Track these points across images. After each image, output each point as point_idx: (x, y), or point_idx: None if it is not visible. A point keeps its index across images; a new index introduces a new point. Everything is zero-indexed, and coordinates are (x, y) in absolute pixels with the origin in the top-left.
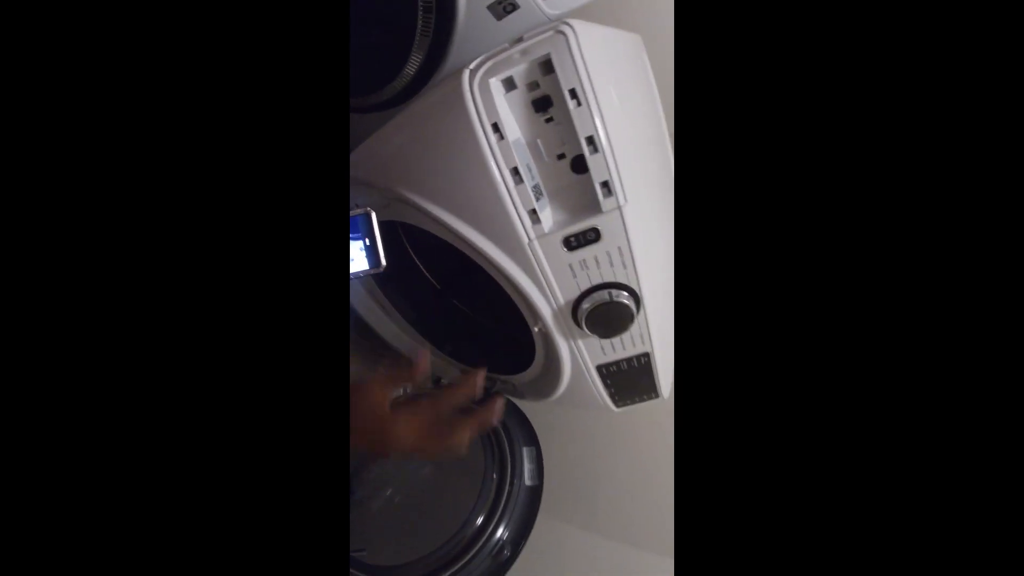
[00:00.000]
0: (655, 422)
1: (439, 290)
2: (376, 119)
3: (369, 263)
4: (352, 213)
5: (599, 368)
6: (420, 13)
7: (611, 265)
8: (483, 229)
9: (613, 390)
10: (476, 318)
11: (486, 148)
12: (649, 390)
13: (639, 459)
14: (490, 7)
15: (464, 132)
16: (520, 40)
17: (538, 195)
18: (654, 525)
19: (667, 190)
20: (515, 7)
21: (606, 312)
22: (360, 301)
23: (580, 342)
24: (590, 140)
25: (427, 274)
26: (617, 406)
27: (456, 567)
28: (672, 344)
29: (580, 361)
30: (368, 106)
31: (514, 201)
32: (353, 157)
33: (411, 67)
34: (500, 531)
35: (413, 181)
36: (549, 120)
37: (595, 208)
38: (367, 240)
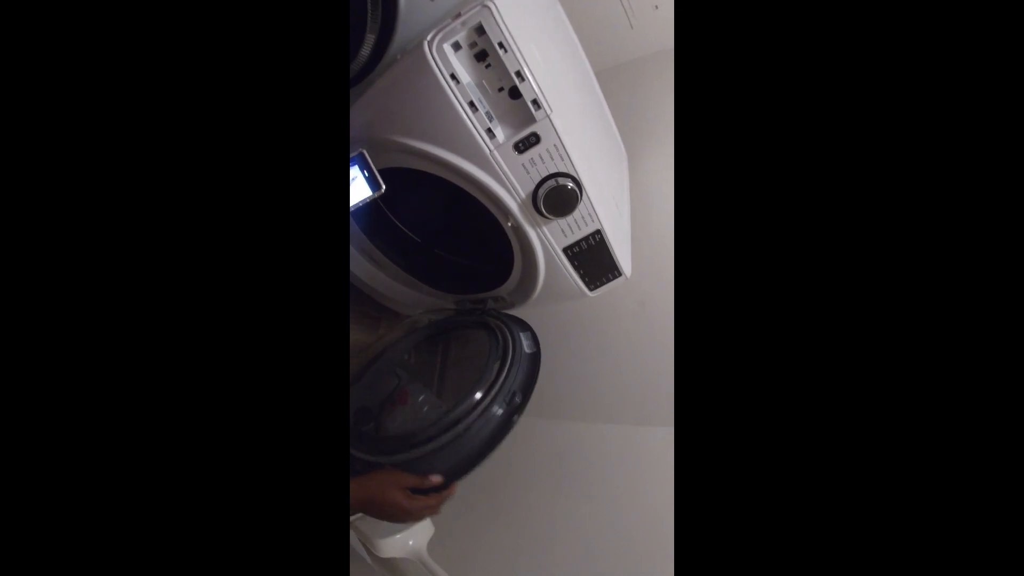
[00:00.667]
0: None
1: (420, 243)
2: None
3: (372, 189)
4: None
5: (565, 251)
6: (369, 6)
7: (552, 159)
8: (457, 150)
9: (582, 271)
10: (455, 259)
11: (448, 91)
12: (612, 268)
13: (625, 343)
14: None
15: (432, 83)
16: (459, 15)
17: (490, 119)
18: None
19: (588, 94)
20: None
21: (556, 194)
22: (357, 264)
23: (545, 229)
24: (518, 74)
25: (409, 233)
26: (591, 290)
27: (478, 409)
28: (620, 230)
29: (550, 248)
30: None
31: (474, 124)
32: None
33: (365, 49)
34: (510, 381)
35: (399, 127)
36: (488, 67)
37: (531, 120)
38: (365, 172)
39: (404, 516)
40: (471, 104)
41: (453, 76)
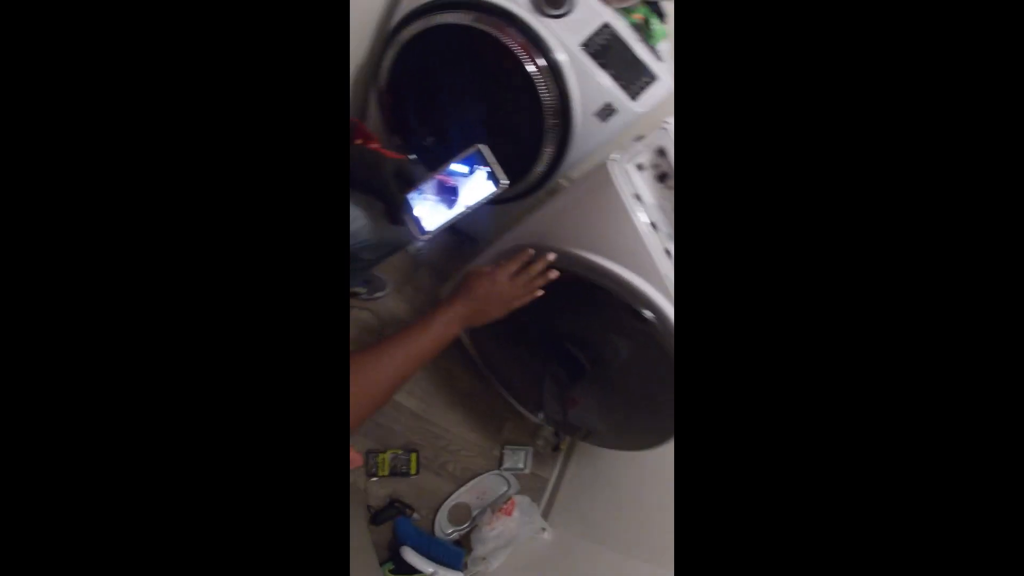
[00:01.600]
0: None
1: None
2: (516, 206)
3: (495, 185)
4: (465, 153)
5: None
6: (546, 118)
7: None
8: (633, 268)
9: None
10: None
11: (631, 210)
12: None
13: None
14: (597, 114)
15: (615, 202)
16: (641, 137)
17: (670, 239)
18: None
19: None
20: (614, 111)
21: None
22: None
23: None
24: None
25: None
26: None
27: None
28: None
29: None
30: (508, 197)
31: (651, 242)
32: (519, 232)
33: (541, 165)
34: None
35: (576, 240)
36: (670, 187)
37: None
38: (488, 168)
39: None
40: (652, 224)
41: (637, 196)
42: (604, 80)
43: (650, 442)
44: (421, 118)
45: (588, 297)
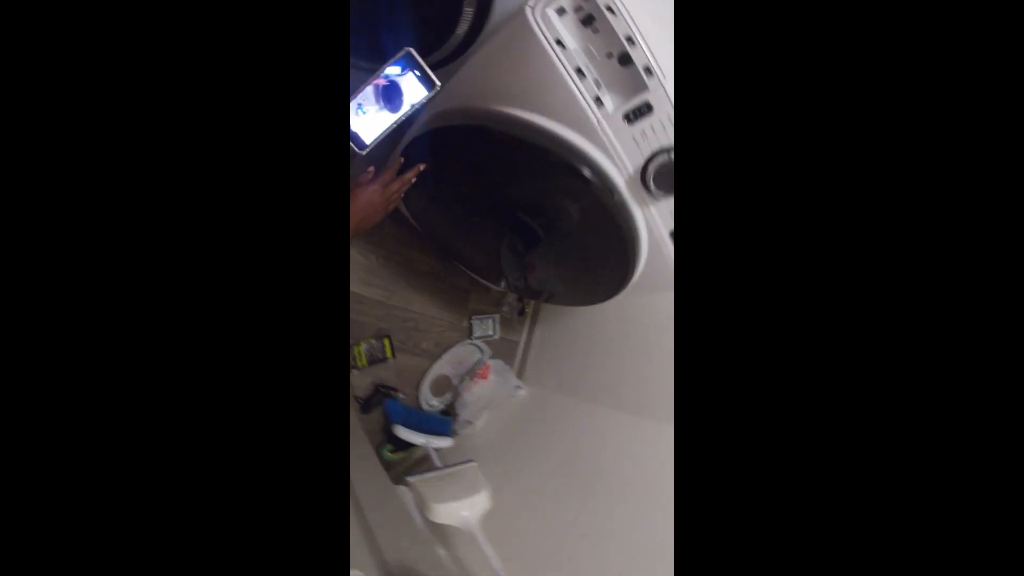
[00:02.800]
0: None
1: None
2: (440, 73)
3: (427, 88)
4: (394, 59)
5: (672, 234)
6: None
7: (665, 131)
8: (563, 120)
9: None
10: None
11: (554, 57)
12: None
13: None
14: None
15: (536, 50)
16: None
17: (599, 86)
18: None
19: None
20: None
21: (669, 170)
22: None
23: (652, 210)
24: (628, 39)
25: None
26: None
27: None
28: None
29: (655, 230)
30: (433, 63)
31: (582, 92)
32: (443, 96)
33: (462, 26)
34: None
35: (500, 98)
36: (596, 31)
37: (643, 87)
38: (417, 71)
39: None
40: (578, 70)
41: (559, 41)
42: None
43: (605, 294)
44: None
45: (527, 160)
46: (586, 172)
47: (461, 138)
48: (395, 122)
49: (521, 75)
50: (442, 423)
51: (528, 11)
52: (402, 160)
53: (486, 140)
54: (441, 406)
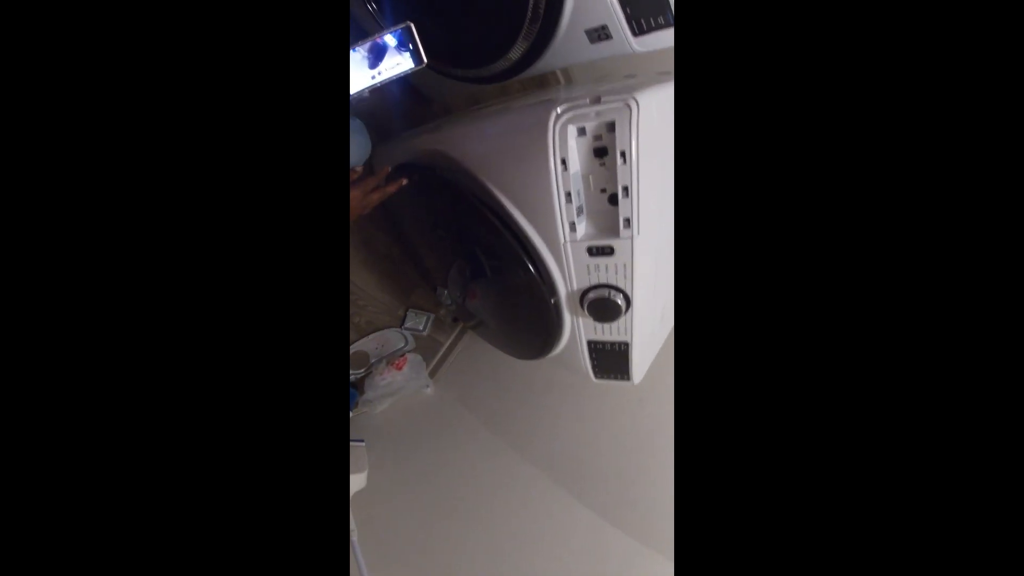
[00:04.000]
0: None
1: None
2: (479, 89)
3: (414, 62)
4: (392, 29)
5: (589, 343)
6: (527, 21)
7: (615, 273)
8: (536, 226)
9: (595, 363)
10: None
11: (553, 174)
12: (624, 372)
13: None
14: (588, 31)
15: (541, 158)
16: (599, 100)
17: (579, 212)
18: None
19: (669, 227)
20: (608, 37)
21: (603, 305)
22: None
23: (579, 319)
24: (625, 189)
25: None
26: (596, 377)
27: None
28: (649, 344)
29: (577, 333)
30: (474, 77)
31: (562, 214)
32: (448, 134)
33: (515, 53)
34: None
35: (494, 175)
36: (603, 164)
37: (616, 233)
38: (411, 45)
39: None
40: (568, 194)
41: (564, 162)
42: None
43: (520, 355)
44: None
45: (496, 233)
46: (537, 273)
47: (447, 187)
48: (374, 84)
49: (520, 170)
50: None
51: (552, 117)
52: (388, 170)
53: (467, 204)
54: (353, 379)
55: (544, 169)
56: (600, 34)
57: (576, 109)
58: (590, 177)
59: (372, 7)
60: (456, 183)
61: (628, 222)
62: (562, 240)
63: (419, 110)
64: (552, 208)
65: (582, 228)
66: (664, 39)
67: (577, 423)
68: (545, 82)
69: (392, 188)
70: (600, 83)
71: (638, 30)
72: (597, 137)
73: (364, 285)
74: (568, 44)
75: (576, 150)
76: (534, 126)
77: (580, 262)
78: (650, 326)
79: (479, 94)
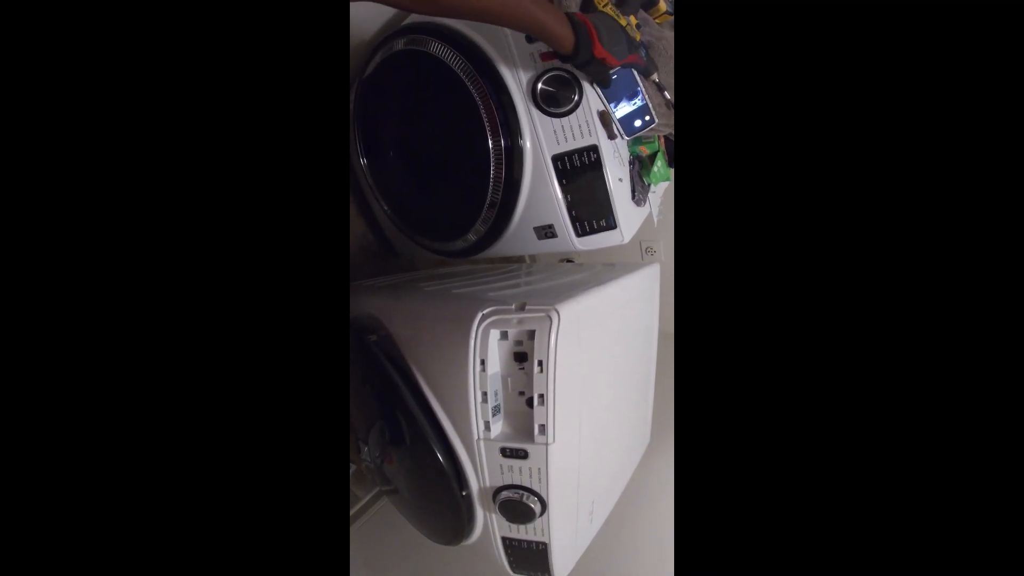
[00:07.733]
0: None
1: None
2: (443, 261)
3: (643, 121)
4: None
5: (504, 539)
6: (486, 205)
7: (530, 476)
8: (451, 417)
9: (512, 560)
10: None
11: (471, 373)
12: (544, 570)
13: None
14: (535, 229)
15: (462, 355)
16: (524, 308)
17: (496, 412)
18: None
19: (613, 422)
20: (554, 235)
21: (515, 507)
22: None
23: (493, 515)
24: (541, 397)
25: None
26: (514, 572)
27: None
28: (574, 543)
29: (491, 528)
30: (440, 250)
31: (477, 412)
32: (387, 303)
33: (473, 236)
34: None
35: (419, 358)
36: (522, 368)
37: (530, 438)
38: (644, 101)
39: None
40: (484, 394)
41: (483, 363)
42: (558, 201)
43: (432, 537)
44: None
45: (409, 415)
46: (449, 464)
47: (371, 357)
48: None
49: (443, 360)
50: None
51: (477, 318)
52: None
53: (388, 380)
54: None
55: (464, 366)
56: (547, 232)
57: (501, 314)
58: (509, 380)
59: (363, 162)
60: (379, 357)
61: (543, 428)
62: (475, 436)
63: (385, 261)
64: (467, 408)
65: (497, 427)
66: (606, 240)
67: None
68: (512, 257)
69: None
70: (551, 274)
71: (581, 231)
72: (519, 342)
73: None
74: (519, 235)
75: (497, 352)
76: (460, 323)
77: (493, 461)
78: (572, 526)
79: (446, 259)
